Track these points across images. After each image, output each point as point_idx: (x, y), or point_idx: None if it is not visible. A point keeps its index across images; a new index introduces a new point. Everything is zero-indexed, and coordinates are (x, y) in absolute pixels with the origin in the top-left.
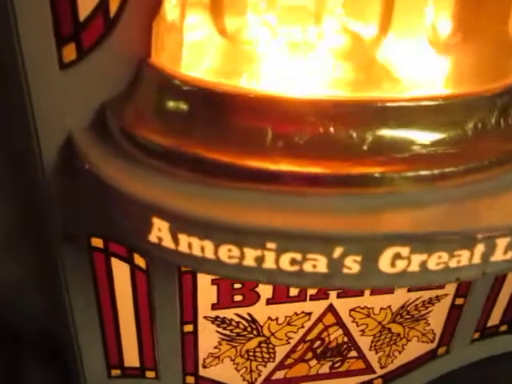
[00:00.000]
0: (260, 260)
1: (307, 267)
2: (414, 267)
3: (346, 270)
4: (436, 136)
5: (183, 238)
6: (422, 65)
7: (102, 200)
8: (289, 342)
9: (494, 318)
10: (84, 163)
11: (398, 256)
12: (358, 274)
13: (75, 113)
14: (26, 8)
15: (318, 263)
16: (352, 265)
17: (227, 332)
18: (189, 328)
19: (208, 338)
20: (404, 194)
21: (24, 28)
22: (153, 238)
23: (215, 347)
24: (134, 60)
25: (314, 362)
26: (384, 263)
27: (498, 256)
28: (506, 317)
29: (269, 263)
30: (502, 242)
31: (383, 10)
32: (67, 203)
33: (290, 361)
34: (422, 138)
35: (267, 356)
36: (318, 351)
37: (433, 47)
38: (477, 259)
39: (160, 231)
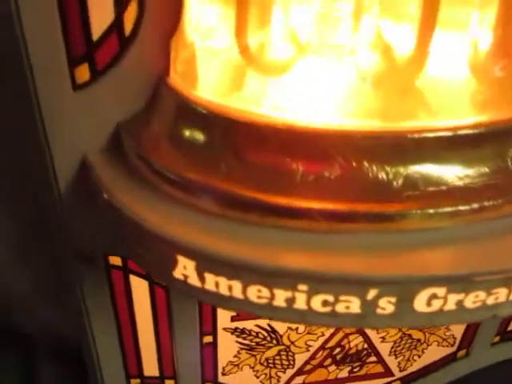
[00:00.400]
0: (291, 301)
1: (340, 308)
2: (451, 306)
3: (379, 311)
4: (475, 167)
5: (210, 277)
6: (460, 89)
7: (121, 230)
8: (308, 350)
9: None
10: (102, 192)
11: (434, 296)
12: (392, 314)
13: (90, 134)
14: (35, 28)
15: (351, 304)
16: (386, 305)
17: (247, 342)
18: (208, 339)
19: (227, 347)
20: (441, 230)
21: (34, 49)
22: (177, 274)
23: (235, 356)
24: (151, 80)
25: (333, 368)
26: (419, 303)
27: None
28: None
29: (300, 304)
30: None
31: (422, 33)
32: (83, 224)
33: (309, 367)
34: (461, 169)
35: (286, 363)
36: (338, 357)
37: (473, 70)
38: None
39: (185, 269)
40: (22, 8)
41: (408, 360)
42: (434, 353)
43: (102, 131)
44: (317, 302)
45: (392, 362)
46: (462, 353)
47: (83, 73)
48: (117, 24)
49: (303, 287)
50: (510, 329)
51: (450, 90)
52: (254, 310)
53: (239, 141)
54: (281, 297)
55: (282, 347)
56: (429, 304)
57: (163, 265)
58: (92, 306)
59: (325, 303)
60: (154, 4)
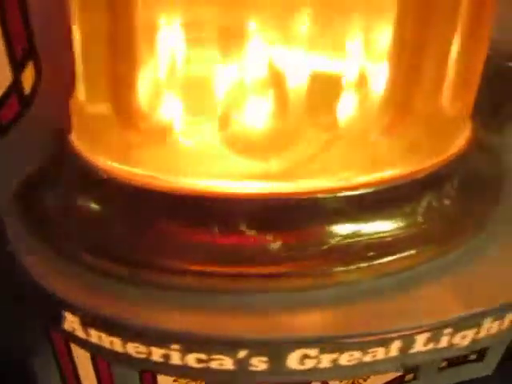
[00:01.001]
0: (167, 357)
1: (214, 365)
2: (325, 364)
3: (253, 368)
4: (355, 226)
5: (93, 332)
6: (346, 149)
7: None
8: None
9: None
10: (8, 242)
11: (306, 356)
12: (266, 370)
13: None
14: None
15: (223, 362)
16: (259, 364)
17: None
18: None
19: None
20: (319, 290)
21: None
22: (67, 326)
23: (174, 380)
24: (54, 138)
25: None
26: (292, 362)
27: (419, 348)
28: None
29: (175, 360)
30: (421, 337)
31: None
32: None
33: None
34: (341, 229)
35: None
36: None
37: (361, 129)
38: (394, 353)
39: (72, 323)
40: None
41: None
42: (381, 377)
43: (11, 182)
44: (191, 359)
45: None
46: (409, 377)
47: None
48: (15, 85)
49: (176, 346)
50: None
51: (335, 145)
52: (134, 364)
53: (128, 204)
54: (157, 353)
55: None
56: (302, 363)
57: (55, 317)
58: (33, 348)
59: (199, 361)
60: (50, 66)
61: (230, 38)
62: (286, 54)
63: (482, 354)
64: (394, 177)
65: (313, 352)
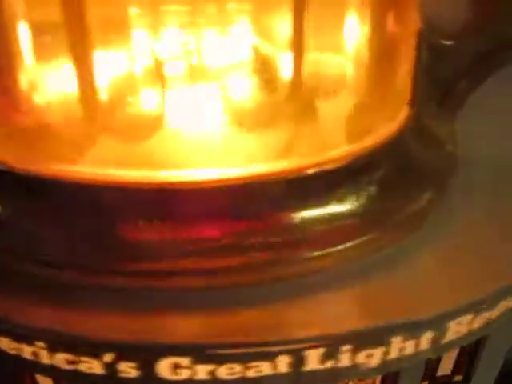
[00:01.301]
0: (36, 355)
1: (83, 368)
2: (202, 375)
3: (124, 374)
4: (251, 222)
5: None
6: (244, 137)
7: None
8: None
9: (445, 368)
10: None
11: (178, 365)
12: (139, 378)
13: None
14: None
15: (92, 365)
16: (129, 370)
17: None
18: None
19: None
20: (200, 293)
21: None
22: None
23: None
24: None
25: None
26: (163, 371)
27: (314, 365)
28: (458, 366)
29: (44, 359)
30: (314, 353)
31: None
32: None
33: None
34: (235, 225)
35: None
36: None
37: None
38: (284, 369)
39: None
40: None
41: None
42: None
43: None
44: (60, 360)
45: None
46: None
47: None
48: None
49: (41, 344)
50: (439, 374)
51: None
52: (12, 362)
53: (12, 193)
54: (27, 351)
55: None
56: (175, 373)
57: None
58: None
59: (68, 362)
60: None
61: (108, 27)
62: (160, 41)
63: (468, 375)
64: (298, 168)
65: (184, 361)
